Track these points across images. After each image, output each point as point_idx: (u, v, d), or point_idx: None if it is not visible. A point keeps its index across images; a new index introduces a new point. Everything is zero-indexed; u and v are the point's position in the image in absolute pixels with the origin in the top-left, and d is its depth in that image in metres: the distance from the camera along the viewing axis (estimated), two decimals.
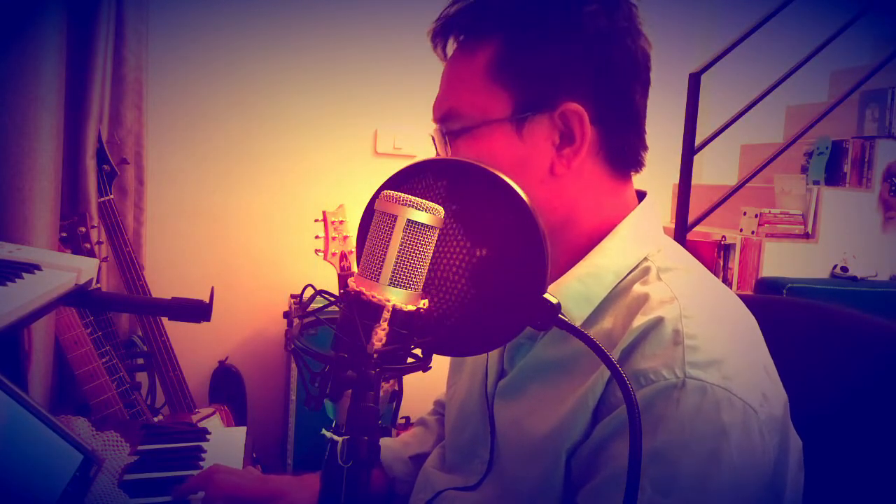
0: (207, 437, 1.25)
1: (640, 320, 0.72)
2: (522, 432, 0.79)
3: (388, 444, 1.10)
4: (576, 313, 0.77)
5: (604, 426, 0.71)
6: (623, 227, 0.81)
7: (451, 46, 0.82)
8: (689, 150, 2.54)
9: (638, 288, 0.76)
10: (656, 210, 0.85)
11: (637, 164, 0.83)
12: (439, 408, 1.17)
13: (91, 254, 1.87)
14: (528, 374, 0.81)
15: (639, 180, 0.84)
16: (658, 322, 0.71)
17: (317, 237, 2.32)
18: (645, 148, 0.83)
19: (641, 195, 0.87)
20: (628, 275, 0.78)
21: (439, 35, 0.82)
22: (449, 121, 0.79)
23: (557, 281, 0.78)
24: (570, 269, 0.79)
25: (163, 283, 2.46)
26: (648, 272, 0.77)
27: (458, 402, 0.94)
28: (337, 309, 0.59)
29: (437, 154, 0.83)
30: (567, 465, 0.74)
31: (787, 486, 0.73)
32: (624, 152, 0.81)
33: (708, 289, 0.79)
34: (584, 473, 0.73)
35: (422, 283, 0.58)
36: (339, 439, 0.55)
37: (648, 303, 0.73)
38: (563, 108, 0.76)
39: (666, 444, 0.66)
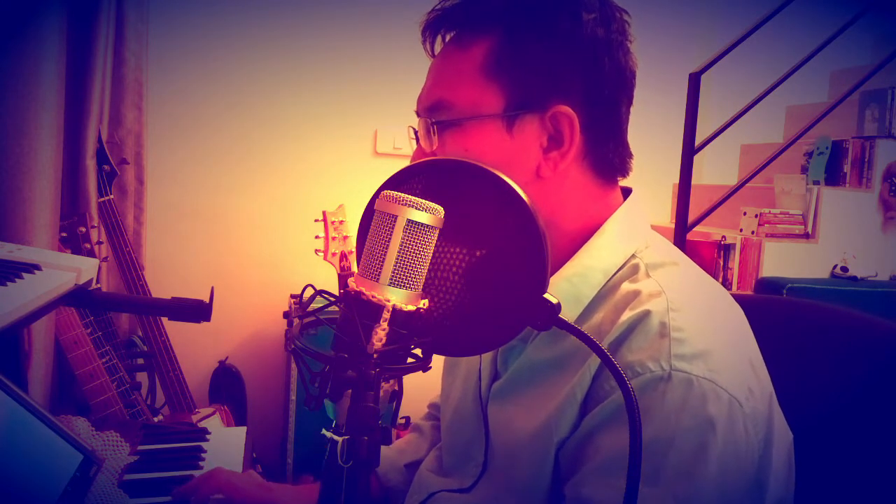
0: (207, 437, 1.25)
1: (627, 314, 0.72)
2: (515, 432, 0.79)
3: (383, 453, 1.10)
4: (566, 314, 0.76)
5: (590, 418, 0.72)
6: (610, 225, 0.81)
7: (439, 44, 0.82)
8: (689, 150, 2.54)
9: (627, 286, 0.76)
10: (642, 206, 0.85)
11: (624, 171, 0.83)
12: (433, 411, 1.17)
13: (91, 254, 1.87)
14: (522, 376, 0.81)
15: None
16: (645, 315, 0.71)
17: (317, 237, 2.32)
18: (630, 155, 0.83)
19: (627, 191, 0.86)
20: (616, 272, 0.79)
21: (432, 28, 0.81)
22: (437, 111, 0.79)
23: None
24: (555, 270, 0.79)
25: (163, 283, 2.46)
26: (637, 270, 0.78)
27: (453, 405, 0.94)
28: (337, 309, 0.59)
29: (417, 146, 0.83)
30: (556, 460, 0.75)
31: (771, 479, 0.73)
32: (609, 160, 0.81)
33: (696, 282, 0.79)
34: (571, 465, 0.73)
35: (422, 283, 0.58)
36: (339, 439, 0.55)
37: (637, 298, 0.73)
38: (555, 110, 0.76)
39: (652, 435, 0.66)
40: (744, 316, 0.79)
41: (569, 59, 0.76)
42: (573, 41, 0.76)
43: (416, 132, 0.83)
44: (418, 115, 0.82)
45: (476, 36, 0.78)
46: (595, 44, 0.77)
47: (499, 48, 0.77)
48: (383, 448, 1.13)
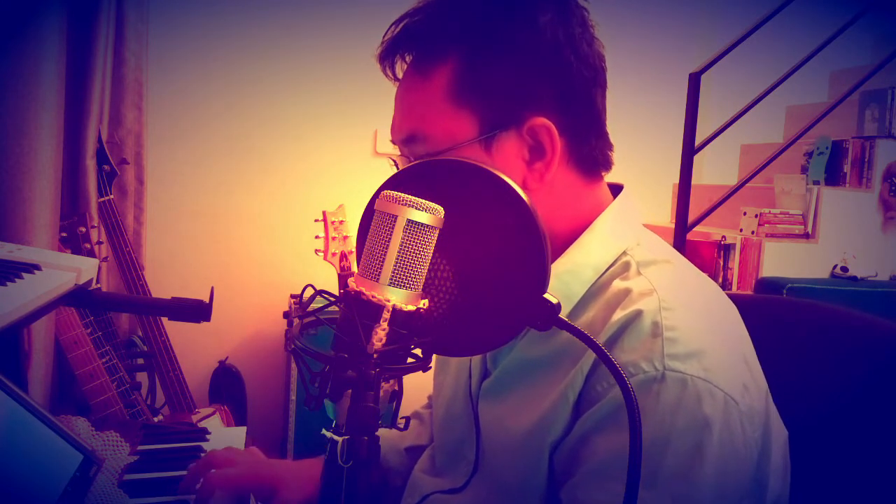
0: (207, 437, 1.25)
1: (619, 314, 0.72)
2: (506, 431, 0.79)
3: (384, 436, 1.10)
4: None
5: (584, 421, 0.71)
6: (600, 221, 0.80)
7: (399, 67, 0.81)
8: (689, 150, 2.55)
9: (618, 283, 0.75)
10: (634, 203, 0.85)
11: (606, 164, 0.82)
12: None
13: (91, 254, 1.87)
14: (512, 374, 0.81)
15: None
16: (637, 315, 0.71)
17: (317, 237, 2.32)
18: (611, 147, 0.82)
19: (618, 188, 0.86)
20: (607, 270, 0.78)
21: (387, 57, 0.80)
22: (413, 144, 0.78)
23: None
24: None
25: (163, 283, 2.46)
26: (629, 267, 0.77)
27: (444, 404, 0.94)
28: (337, 309, 0.59)
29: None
30: (550, 461, 0.74)
31: (770, 476, 0.73)
32: (592, 157, 0.80)
33: (688, 280, 0.79)
34: (566, 468, 0.73)
35: (422, 283, 0.58)
36: (339, 439, 0.55)
37: (629, 297, 0.73)
38: (531, 122, 0.75)
39: (648, 437, 0.66)
40: (737, 312, 0.79)
41: (534, 68, 0.75)
42: (534, 50, 0.74)
43: (396, 164, 0.82)
44: (394, 143, 0.81)
45: (435, 61, 0.76)
46: (557, 46, 0.75)
47: (461, 73, 0.75)
48: (383, 431, 1.14)
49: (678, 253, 0.84)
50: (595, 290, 0.77)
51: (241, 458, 1.03)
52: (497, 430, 0.82)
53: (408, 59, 0.80)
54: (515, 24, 0.75)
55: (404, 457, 1.08)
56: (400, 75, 0.81)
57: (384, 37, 0.80)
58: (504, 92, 0.75)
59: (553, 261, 0.78)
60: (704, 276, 0.83)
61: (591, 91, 0.78)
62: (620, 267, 0.78)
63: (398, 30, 0.79)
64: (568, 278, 0.77)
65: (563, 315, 0.75)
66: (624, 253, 0.79)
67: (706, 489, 0.67)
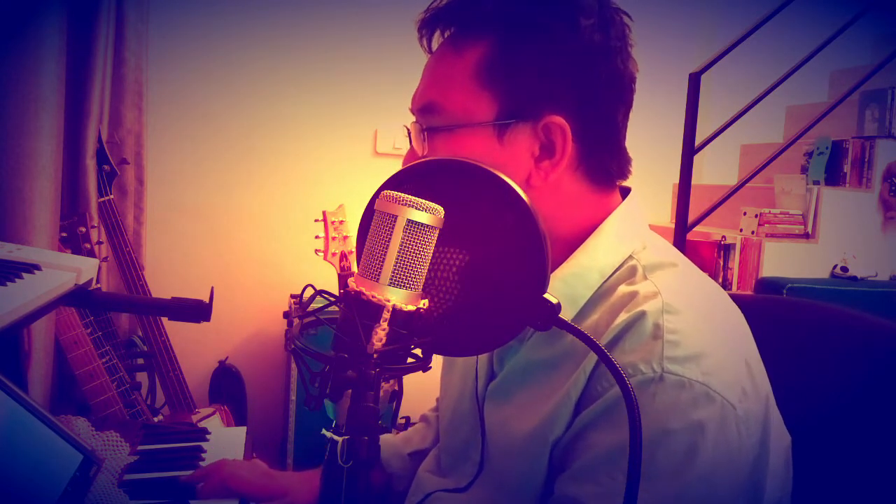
0: (207, 437, 1.25)
1: (622, 316, 0.72)
2: (511, 433, 0.79)
3: (389, 441, 1.11)
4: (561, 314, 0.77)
5: (582, 417, 0.72)
6: (607, 225, 0.80)
7: (436, 41, 0.81)
8: (689, 150, 2.54)
9: (624, 288, 0.76)
10: (640, 206, 0.85)
11: (622, 175, 0.82)
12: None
13: (91, 254, 1.87)
14: (517, 376, 0.81)
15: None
16: (639, 317, 0.71)
17: (317, 237, 2.32)
18: (629, 161, 0.82)
19: (625, 191, 0.86)
20: (613, 273, 0.78)
21: (427, 26, 0.80)
22: (429, 114, 0.78)
23: None
24: (552, 270, 0.79)
25: (163, 283, 2.46)
26: (635, 272, 0.77)
27: (451, 405, 0.94)
28: (337, 309, 0.59)
29: (409, 149, 0.82)
30: (550, 458, 0.75)
31: (768, 481, 0.73)
32: (604, 168, 0.80)
33: (693, 283, 0.79)
34: (562, 462, 0.74)
35: (422, 283, 0.58)
36: (339, 439, 0.55)
37: (634, 300, 0.73)
38: (547, 120, 0.75)
39: (642, 437, 0.66)
40: (742, 317, 0.79)
41: (564, 67, 0.75)
42: (569, 49, 0.75)
43: (409, 131, 0.83)
44: (412, 112, 0.82)
45: (471, 39, 0.77)
46: (591, 51, 0.75)
47: (493, 55, 0.75)
48: (389, 436, 1.15)
49: (684, 256, 0.84)
50: (601, 294, 0.77)
51: (248, 466, 1.05)
52: (502, 432, 0.82)
53: (446, 34, 0.80)
54: (557, 20, 0.75)
55: (407, 461, 1.08)
56: (434, 47, 0.81)
57: (429, 6, 0.80)
58: (529, 83, 0.75)
59: (556, 264, 0.79)
60: (709, 279, 0.83)
61: (614, 105, 0.78)
62: (627, 271, 0.78)
63: (443, 3, 0.79)
64: (574, 281, 0.77)
65: (569, 318, 0.76)
66: (630, 257, 0.79)
67: (695, 491, 0.67)
